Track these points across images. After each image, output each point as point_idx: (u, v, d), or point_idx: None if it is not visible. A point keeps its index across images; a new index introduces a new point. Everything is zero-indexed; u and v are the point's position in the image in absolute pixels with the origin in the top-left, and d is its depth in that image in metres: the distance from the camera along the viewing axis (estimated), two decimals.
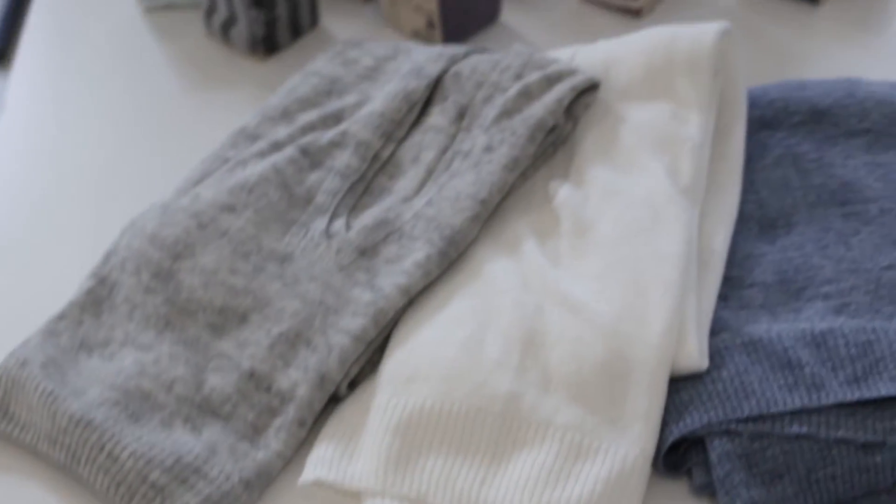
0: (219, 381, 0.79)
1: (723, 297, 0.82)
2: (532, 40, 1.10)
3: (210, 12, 1.09)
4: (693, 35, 0.91)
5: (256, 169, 0.89)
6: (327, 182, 0.89)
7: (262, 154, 0.91)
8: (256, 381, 0.79)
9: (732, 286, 0.83)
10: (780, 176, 0.90)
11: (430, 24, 1.06)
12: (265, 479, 0.76)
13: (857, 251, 0.84)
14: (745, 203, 0.89)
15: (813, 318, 0.80)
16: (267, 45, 1.08)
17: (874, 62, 1.06)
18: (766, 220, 0.88)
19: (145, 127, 1.04)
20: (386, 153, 0.91)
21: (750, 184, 0.90)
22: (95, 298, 0.85)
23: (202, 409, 0.79)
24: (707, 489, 0.75)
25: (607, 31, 1.10)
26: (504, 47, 1.08)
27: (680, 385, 0.77)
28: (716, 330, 0.80)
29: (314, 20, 1.11)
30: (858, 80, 0.96)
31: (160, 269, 0.84)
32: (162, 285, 0.83)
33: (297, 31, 1.10)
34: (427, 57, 0.96)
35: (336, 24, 1.13)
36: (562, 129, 0.90)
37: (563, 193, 0.86)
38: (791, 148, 0.92)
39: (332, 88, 0.97)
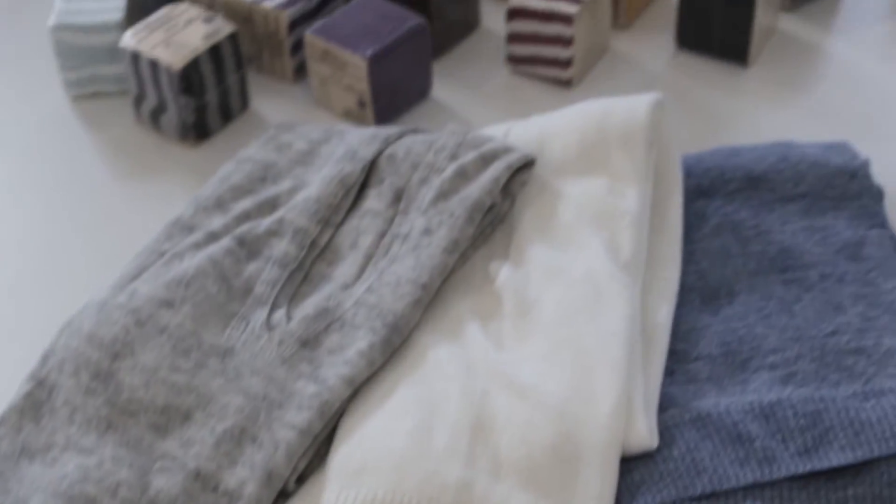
0: (164, 483, 0.78)
1: (669, 372, 0.82)
2: (464, 114, 1.09)
3: (139, 100, 1.08)
4: (626, 108, 0.91)
5: (193, 262, 0.88)
6: (266, 272, 0.88)
7: (198, 246, 0.90)
8: (203, 480, 0.78)
9: (678, 360, 0.83)
10: (719, 245, 0.90)
11: (362, 104, 1.06)
12: None
13: (800, 319, 0.84)
14: (686, 274, 0.89)
15: (760, 390, 0.80)
16: (198, 131, 1.07)
17: (805, 121, 1.07)
18: (708, 291, 0.88)
19: (77, 219, 1.02)
20: (324, 239, 0.90)
21: (690, 254, 0.90)
22: (34, 402, 0.83)
23: None
24: None
25: (539, 101, 1.10)
26: (436, 122, 1.08)
27: (631, 465, 0.76)
28: (664, 406, 0.79)
29: (245, 104, 1.10)
30: (791, 144, 0.97)
31: (99, 370, 0.82)
32: (102, 386, 0.82)
33: (227, 116, 1.09)
34: (360, 139, 0.95)
35: (266, 106, 1.12)
36: (499, 207, 0.90)
37: (504, 274, 0.86)
38: (729, 216, 0.92)
39: (266, 175, 0.96)
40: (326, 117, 1.09)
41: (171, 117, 1.06)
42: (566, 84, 1.11)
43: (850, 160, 0.95)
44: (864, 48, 1.15)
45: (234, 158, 0.99)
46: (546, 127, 0.94)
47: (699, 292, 0.87)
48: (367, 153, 0.93)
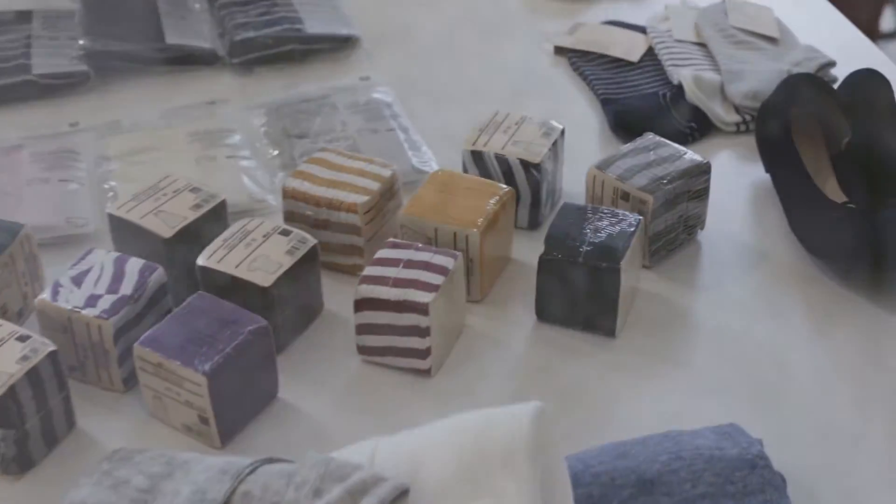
0: None
1: None
2: (315, 415, 1.00)
3: None
4: (506, 421, 0.82)
5: None
6: None
7: None
8: None
9: None
10: None
11: (203, 420, 0.95)
12: None
13: None
14: None
15: None
16: (20, 463, 0.95)
17: (675, 391, 1.01)
18: None
19: None
20: None
21: None
22: None
23: None
24: None
25: (396, 394, 1.01)
26: (287, 427, 0.98)
27: None
28: None
29: (70, 424, 0.99)
30: (680, 436, 0.89)
31: None
32: None
33: (52, 441, 0.97)
34: (208, 476, 0.84)
35: (95, 422, 1.00)
36: None
37: None
38: None
39: None
40: (163, 433, 0.99)
41: None
42: (425, 373, 1.02)
43: (745, 448, 0.88)
44: (729, 307, 1.10)
45: (64, 500, 0.87)
46: (418, 444, 0.84)
47: None
48: (217, 493, 0.82)
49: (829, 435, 0.97)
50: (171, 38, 1.48)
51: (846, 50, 1.44)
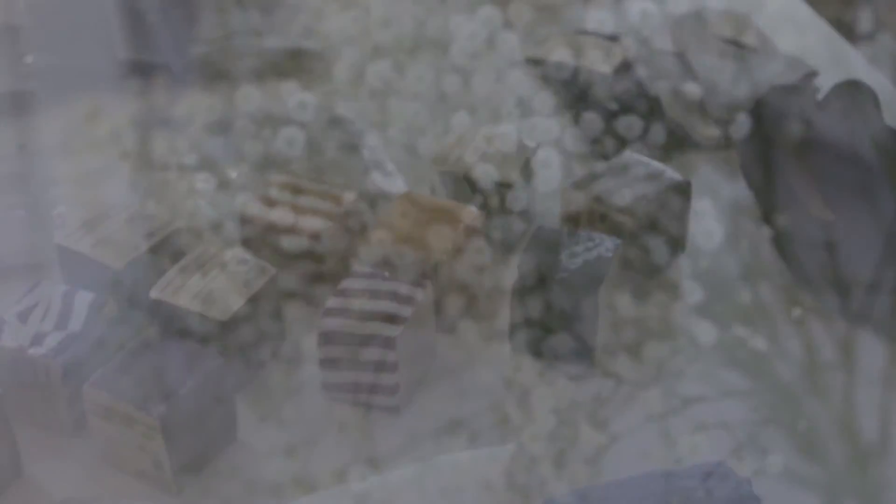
0: None
1: None
2: (279, 457, 0.94)
3: None
4: (483, 466, 0.79)
5: None
6: None
7: None
8: None
9: None
10: None
11: (158, 465, 0.90)
12: None
13: None
14: None
15: None
16: None
17: (660, 423, 0.95)
18: None
19: None
20: None
21: None
22: None
23: None
24: None
25: (366, 432, 0.95)
26: (247, 472, 0.93)
27: None
28: None
29: (16, 472, 0.93)
30: (666, 476, 0.85)
31: None
32: None
33: None
34: None
35: (43, 469, 0.94)
36: None
37: None
38: None
39: None
40: (116, 479, 0.93)
41: None
42: (394, 410, 0.96)
43: (734, 489, 0.84)
44: (713, 332, 1.04)
45: None
46: (390, 492, 0.80)
47: None
48: None
49: (836, 465, 0.92)
50: (126, 53, 1.42)
51: (828, 56, 1.40)
